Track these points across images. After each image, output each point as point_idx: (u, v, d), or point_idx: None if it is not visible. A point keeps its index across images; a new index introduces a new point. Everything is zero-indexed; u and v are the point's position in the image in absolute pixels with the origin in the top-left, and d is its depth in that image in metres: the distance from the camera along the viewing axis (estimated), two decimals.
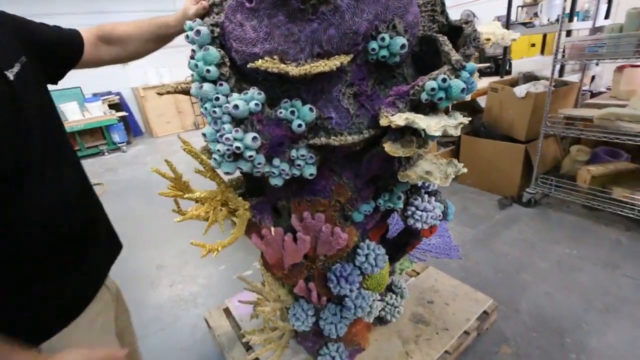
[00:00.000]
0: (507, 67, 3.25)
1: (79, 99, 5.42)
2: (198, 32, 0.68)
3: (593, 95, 2.82)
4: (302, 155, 0.76)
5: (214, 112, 0.69)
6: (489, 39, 0.77)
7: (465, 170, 0.81)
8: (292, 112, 0.70)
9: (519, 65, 2.90)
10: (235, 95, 0.69)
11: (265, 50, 0.67)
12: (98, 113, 5.34)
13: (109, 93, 6.00)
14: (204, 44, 0.69)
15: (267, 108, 0.71)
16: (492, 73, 3.58)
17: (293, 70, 0.63)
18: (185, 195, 0.76)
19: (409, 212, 0.97)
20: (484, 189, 2.61)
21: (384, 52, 0.67)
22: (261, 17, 0.65)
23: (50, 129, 0.64)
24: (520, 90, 2.28)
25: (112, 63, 0.82)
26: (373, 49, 0.67)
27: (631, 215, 1.88)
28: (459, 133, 0.63)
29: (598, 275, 1.64)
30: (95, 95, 5.84)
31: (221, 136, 0.70)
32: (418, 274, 1.59)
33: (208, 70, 0.67)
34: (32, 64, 0.62)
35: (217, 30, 0.71)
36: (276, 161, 0.77)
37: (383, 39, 0.65)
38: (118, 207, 3.17)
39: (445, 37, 0.70)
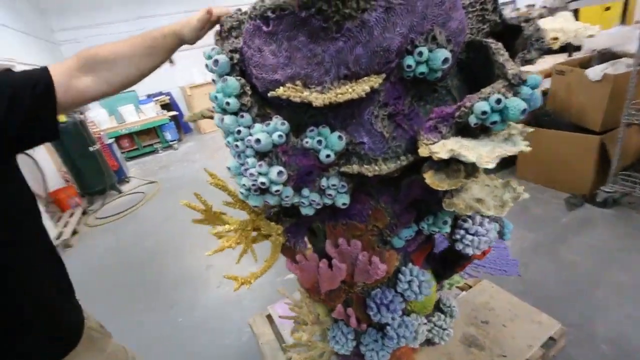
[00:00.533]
0: (574, 45, 2.81)
1: (135, 101, 5.87)
2: (216, 61, 0.64)
3: None
4: (333, 185, 0.69)
5: (237, 146, 0.66)
6: (556, 38, 0.63)
7: (526, 195, 0.69)
8: (319, 142, 0.64)
9: (593, 40, 2.48)
10: (257, 126, 0.64)
11: (287, 75, 0.61)
12: (152, 114, 5.75)
13: (160, 93, 6.41)
14: (223, 73, 0.65)
15: (293, 137, 0.66)
16: (558, 50, 3.13)
17: (316, 100, 0.56)
18: (214, 232, 0.74)
19: (458, 236, 0.86)
20: (548, 185, 2.32)
21: (423, 69, 0.57)
22: (280, 40, 0.59)
23: None
24: (595, 71, 1.95)
25: (99, 96, 0.67)
26: (409, 66, 0.57)
27: None
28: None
29: None
30: (149, 96, 6.28)
31: (245, 170, 0.66)
32: (470, 287, 1.46)
33: (228, 103, 0.63)
34: None
35: (237, 56, 0.66)
36: (305, 191, 0.72)
37: (421, 54, 0.56)
38: (169, 205, 3.38)
39: (499, 44, 0.58)
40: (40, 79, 0.58)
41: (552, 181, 2.29)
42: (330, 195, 0.71)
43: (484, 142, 0.57)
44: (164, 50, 0.70)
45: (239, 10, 0.70)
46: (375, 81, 0.57)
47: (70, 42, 6.30)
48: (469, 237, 0.84)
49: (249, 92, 0.66)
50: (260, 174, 0.65)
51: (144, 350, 1.71)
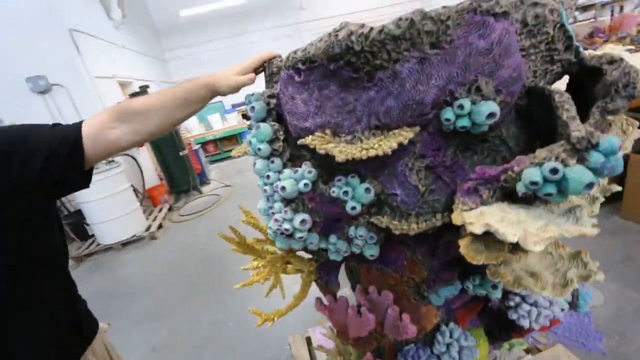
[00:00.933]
0: None
1: (221, 110, 6.54)
2: (253, 108, 0.66)
3: None
4: (361, 235, 0.65)
5: (265, 190, 0.67)
6: None
7: (601, 277, 0.55)
8: (346, 192, 0.61)
9: None
10: (286, 172, 0.64)
11: (317, 124, 0.60)
12: (234, 122, 6.32)
13: (244, 104, 7.01)
14: (259, 119, 0.66)
15: (321, 184, 0.64)
16: None
17: (340, 154, 0.54)
18: (244, 267, 0.76)
19: (512, 303, 0.73)
20: None
21: (464, 122, 0.50)
22: (311, 89, 0.58)
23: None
24: None
25: (130, 146, 0.69)
26: (447, 119, 0.51)
27: None
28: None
29: None
30: (233, 106, 6.93)
31: (272, 214, 0.67)
32: (539, 350, 1.23)
33: (259, 149, 0.64)
34: None
35: (274, 101, 0.67)
36: (333, 238, 0.69)
37: (462, 107, 0.49)
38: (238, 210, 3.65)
39: (565, 95, 0.48)
40: (71, 136, 0.63)
41: None
42: (357, 245, 0.67)
43: (535, 213, 0.47)
44: (197, 101, 0.71)
45: (280, 56, 0.72)
46: (405, 136, 0.52)
47: (175, 59, 7.33)
48: (526, 306, 0.71)
49: (282, 137, 0.66)
50: (285, 219, 0.65)
51: (193, 348, 1.87)
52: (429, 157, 0.59)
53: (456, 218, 0.50)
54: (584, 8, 5.90)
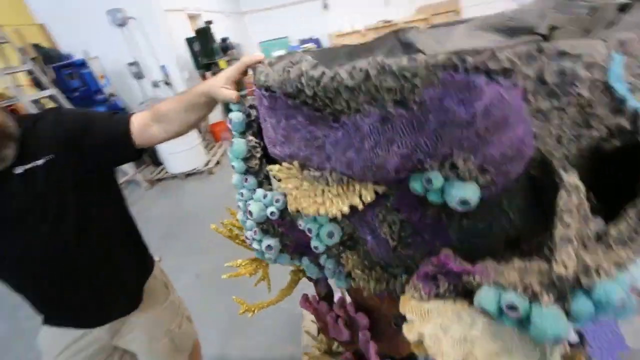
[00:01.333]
0: None
1: (286, 46, 6.33)
2: (230, 120, 0.61)
3: None
4: (329, 267, 0.62)
5: (239, 206, 0.65)
6: None
7: None
8: (310, 230, 0.56)
9: None
10: (258, 193, 0.61)
11: (286, 153, 0.54)
12: None
13: (310, 40, 6.67)
14: (238, 131, 0.62)
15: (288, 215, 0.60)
16: None
17: (290, 205, 0.49)
18: (228, 264, 0.80)
19: None
20: None
21: (434, 198, 0.40)
22: (279, 116, 0.51)
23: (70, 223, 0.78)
24: None
25: (162, 141, 0.82)
26: (415, 189, 0.41)
27: None
28: None
29: None
30: (301, 42, 6.65)
31: (245, 228, 0.66)
32: None
33: (233, 165, 0.61)
34: (64, 161, 0.75)
35: (255, 112, 0.62)
36: (305, 260, 0.67)
37: (429, 181, 0.39)
38: None
39: (575, 184, 0.34)
40: (122, 129, 0.79)
41: None
42: (328, 274, 0.64)
43: (497, 331, 0.38)
44: (202, 107, 0.73)
45: (264, 60, 0.63)
46: (363, 198, 0.44)
47: None
48: None
49: (258, 155, 0.62)
50: (254, 239, 0.64)
51: (234, 278, 2.10)
52: (404, 213, 0.50)
53: (403, 304, 0.43)
54: None
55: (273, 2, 6.82)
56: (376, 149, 0.39)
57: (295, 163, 0.53)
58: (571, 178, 0.36)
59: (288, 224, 0.61)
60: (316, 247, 0.56)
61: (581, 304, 0.30)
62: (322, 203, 0.46)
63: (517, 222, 0.46)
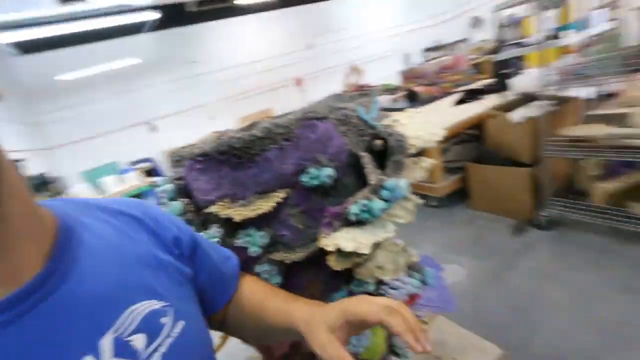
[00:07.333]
0: (506, 86, 3.19)
1: (115, 171, 6.03)
2: (164, 190, 0.84)
3: (601, 100, 2.70)
4: (265, 270, 0.88)
5: None
6: (413, 145, 0.86)
7: (416, 258, 0.88)
8: (247, 241, 0.83)
9: (521, 81, 2.85)
10: (204, 232, 0.83)
11: (218, 196, 0.81)
12: (134, 182, 5.90)
13: (143, 160, 6.63)
14: (170, 198, 0.85)
15: (227, 238, 0.85)
16: (498, 90, 3.50)
17: (237, 216, 0.76)
18: None
19: (382, 292, 1.03)
20: (499, 214, 2.55)
21: (315, 182, 0.79)
22: (210, 172, 0.80)
23: None
24: (516, 115, 2.27)
25: None
26: (304, 182, 0.79)
27: None
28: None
29: (618, 304, 1.54)
30: (134, 162, 6.47)
31: None
32: (426, 323, 1.60)
33: None
34: None
35: (181, 182, 0.87)
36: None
37: (309, 173, 0.77)
38: None
39: (366, 156, 0.81)
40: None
41: (502, 210, 2.52)
42: (265, 278, 0.89)
43: (364, 231, 0.77)
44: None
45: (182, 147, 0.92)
46: (280, 197, 0.78)
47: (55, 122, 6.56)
48: (391, 290, 1.02)
49: (192, 209, 0.86)
50: None
51: None
52: (302, 205, 0.86)
53: (320, 243, 0.77)
54: (437, 48, 7.50)
55: (86, 134, 6.57)
56: (280, 164, 0.76)
57: (227, 200, 0.82)
58: (366, 158, 0.82)
59: (230, 247, 0.85)
60: (255, 252, 0.83)
61: (385, 194, 0.74)
62: (258, 207, 0.77)
63: (353, 192, 0.90)
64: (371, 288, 1.04)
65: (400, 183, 0.77)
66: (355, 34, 8.47)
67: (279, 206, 0.84)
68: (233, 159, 0.77)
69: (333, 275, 1.00)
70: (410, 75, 5.91)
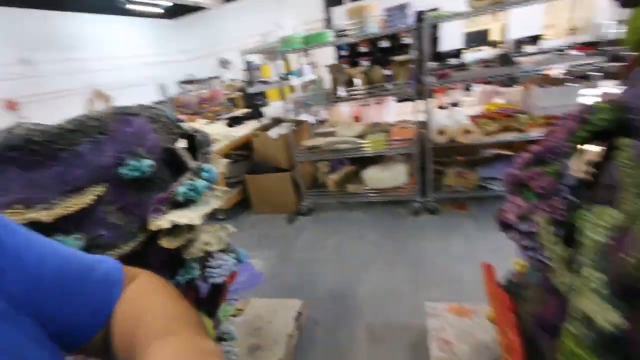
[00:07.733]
0: (261, 113, 4.00)
1: None
2: None
3: (319, 123, 3.97)
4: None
5: None
6: (216, 139, 1.09)
7: (233, 229, 1.10)
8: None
9: (270, 110, 3.67)
10: None
11: (5, 203, 0.69)
12: None
13: None
14: None
15: None
16: (254, 117, 4.27)
17: (47, 217, 0.70)
18: None
19: (207, 274, 1.16)
20: (275, 212, 3.15)
21: (136, 174, 0.84)
22: None
23: None
24: (273, 133, 2.94)
25: None
26: (124, 174, 0.82)
27: (363, 200, 2.87)
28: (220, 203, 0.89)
29: (354, 247, 2.42)
30: None
31: None
32: (242, 310, 1.81)
33: None
34: None
35: None
36: None
37: (128, 165, 0.82)
38: None
39: (181, 149, 0.95)
40: None
41: (277, 208, 3.14)
42: None
43: (192, 209, 0.91)
44: None
45: None
46: (99, 190, 0.78)
47: None
48: (215, 270, 1.17)
49: None
50: None
51: None
52: (119, 202, 0.87)
53: (153, 227, 0.83)
54: (192, 82, 7.74)
55: None
56: (96, 157, 0.77)
57: (20, 206, 0.71)
58: (181, 150, 0.95)
59: None
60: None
61: (205, 175, 0.92)
62: (73, 204, 0.73)
63: (170, 181, 1.00)
64: (197, 273, 1.13)
65: (213, 168, 0.97)
66: (98, 56, 7.41)
67: (94, 206, 0.81)
68: (27, 156, 0.69)
69: (159, 267, 1.03)
70: (172, 104, 5.95)
